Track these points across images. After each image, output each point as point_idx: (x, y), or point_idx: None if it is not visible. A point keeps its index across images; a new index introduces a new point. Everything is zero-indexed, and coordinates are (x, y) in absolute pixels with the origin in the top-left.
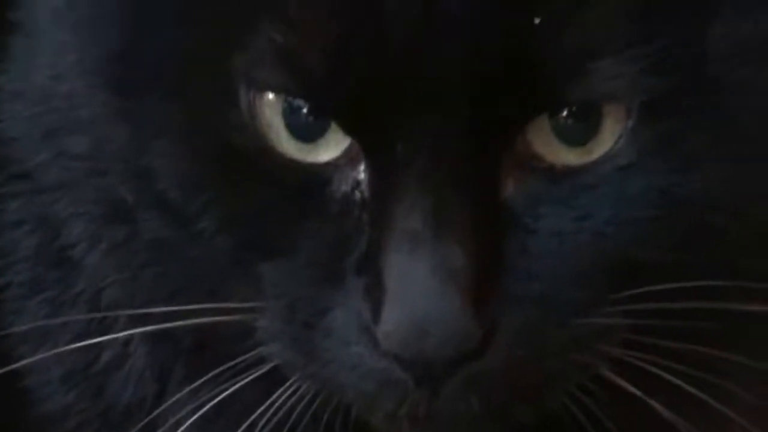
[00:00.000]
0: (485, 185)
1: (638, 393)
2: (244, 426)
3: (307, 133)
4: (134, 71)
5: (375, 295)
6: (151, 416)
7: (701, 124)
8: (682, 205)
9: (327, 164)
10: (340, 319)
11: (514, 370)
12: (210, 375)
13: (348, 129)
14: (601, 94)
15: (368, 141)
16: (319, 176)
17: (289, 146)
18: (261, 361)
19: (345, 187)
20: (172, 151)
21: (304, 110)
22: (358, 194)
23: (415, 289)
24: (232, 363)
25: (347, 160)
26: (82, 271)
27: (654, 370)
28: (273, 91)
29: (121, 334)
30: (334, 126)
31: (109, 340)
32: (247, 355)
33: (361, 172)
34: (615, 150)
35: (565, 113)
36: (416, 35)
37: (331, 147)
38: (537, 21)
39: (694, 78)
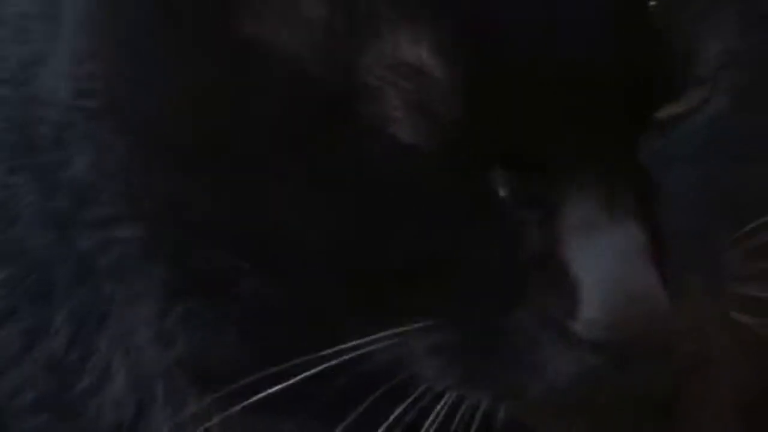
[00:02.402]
0: (635, 161)
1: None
2: None
3: None
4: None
5: (565, 289)
6: None
7: None
8: None
9: None
10: (525, 321)
11: (696, 334)
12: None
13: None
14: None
15: (520, 161)
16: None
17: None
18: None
19: (503, 192)
20: (304, 204)
21: None
22: (510, 199)
23: (612, 274)
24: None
25: None
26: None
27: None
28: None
29: None
30: None
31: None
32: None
33: (512, 176)
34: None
35: None
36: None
37: None
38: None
39: None
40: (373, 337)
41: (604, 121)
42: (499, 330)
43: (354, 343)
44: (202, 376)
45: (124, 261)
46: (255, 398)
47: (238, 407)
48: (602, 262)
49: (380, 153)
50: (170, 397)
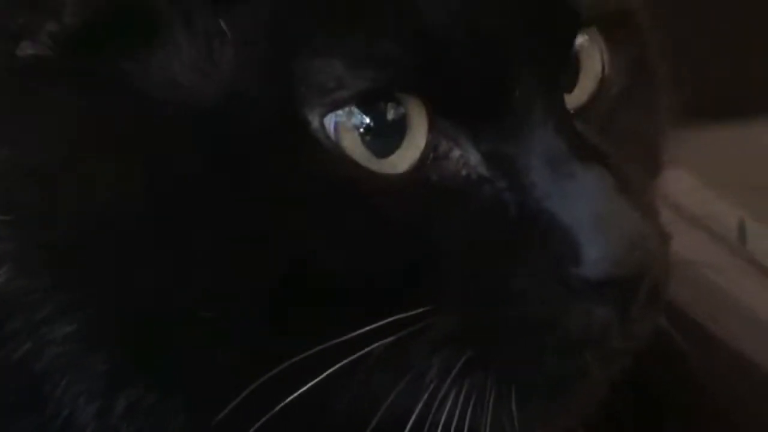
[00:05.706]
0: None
1: None
2: None
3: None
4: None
5: (560, 239)
6: None
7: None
8: None
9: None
10: (527, 285)
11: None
12: None
13: (443, 105)
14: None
15: (472, 107)
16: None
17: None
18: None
19: (463, 172)
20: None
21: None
22: (474, 174)
23: (601, 214)
24: None
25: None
26: None
27: None
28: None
29: None
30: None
31: None
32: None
33: (468, 151)
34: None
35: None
36: None
37: (411, 149)
38: None
39: None
40: (372, 327)
41: (545, 67)
42: (500, 303)
43: (353, 334)
44: None
45: (59, 360)
46: None
47: None
48: (588, 206)
49: (338, 171)
50: None
